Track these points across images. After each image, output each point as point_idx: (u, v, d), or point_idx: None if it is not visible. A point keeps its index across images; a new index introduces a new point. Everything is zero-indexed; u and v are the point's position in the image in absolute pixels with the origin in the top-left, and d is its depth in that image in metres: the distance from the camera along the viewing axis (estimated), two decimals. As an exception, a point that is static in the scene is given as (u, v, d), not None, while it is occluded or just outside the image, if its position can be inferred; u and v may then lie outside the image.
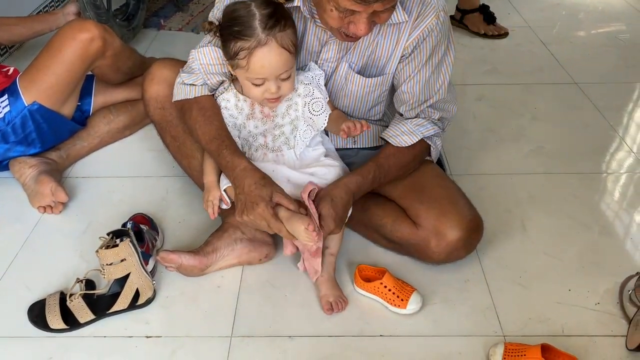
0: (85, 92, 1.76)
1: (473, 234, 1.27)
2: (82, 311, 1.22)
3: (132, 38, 2.44)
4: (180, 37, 2.56)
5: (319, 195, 1.18)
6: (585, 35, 2.58)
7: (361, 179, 1.24)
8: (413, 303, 1.23)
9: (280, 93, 1.22)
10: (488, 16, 2.56)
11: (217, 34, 1.20)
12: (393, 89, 1.35)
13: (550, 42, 2.48)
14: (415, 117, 1.31)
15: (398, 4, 1.18)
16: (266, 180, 1.17)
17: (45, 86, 1.54)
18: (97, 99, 1.79)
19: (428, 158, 1.38)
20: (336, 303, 1.24)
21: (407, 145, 1.28)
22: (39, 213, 1.55)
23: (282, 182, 1.24)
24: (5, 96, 1.56)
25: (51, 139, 1.64)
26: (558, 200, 1.57)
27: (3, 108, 1.55)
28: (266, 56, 1.15)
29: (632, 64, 2.31)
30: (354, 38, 1.17)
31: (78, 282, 1.26)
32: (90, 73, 1.74)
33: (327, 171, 1.28)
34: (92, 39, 1.53)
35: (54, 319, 1.21)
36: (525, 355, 1.09)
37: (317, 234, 1.08)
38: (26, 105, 1.54)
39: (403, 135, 1.29)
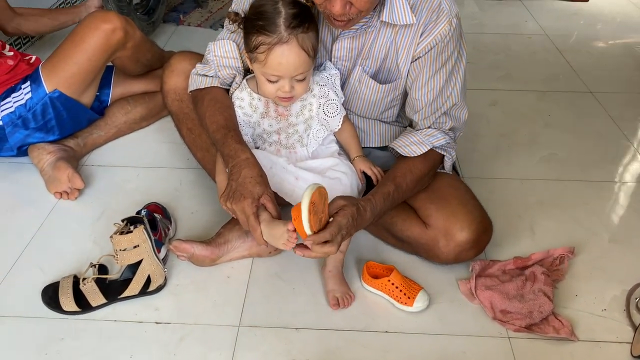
0: (104, 83, 1.79)
1: (482, 235, 1.28)
2: (94, 295, 1.25)
3: (151, 32, 2.48)
4: (199, 33, 2.60)
5: (337, 201, 1.14)
6: (602, 46, 2.58)
7: (383, 201, 1.20)
8: (420, 301, 1.24)
9: (293, 93, 1.23)
10: None
11: (241, 26, 1.23)
12: (406, 93, 1.36)
13: (567, 51, 2.49)
14: (427, 128, 1.31)
15: (407, 6, 1.20)
16: (263, 178, 1.17)
17: (66, 74, 1.57)
18: (116, 90, 1.83)
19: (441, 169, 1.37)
20: (342, 299, 1.26)
21: (416, 154, 1.28)
22: (55, 198, 1.58)
23: (290, 179, 1.25)
24: (28, 83, 1.59)
25: (70, 127, 1.68)
26: (568, 207, 1.58)
27: (25, 94, 1.59)
28: (285, 54, 1.17)
29: (648, 75, 2.31)
30: (341, 22, 1.16)
31: (91, 266, 1.28)
32: (109, 64, 1.78)
33: (339, 176, 1.28)
34: (114, 29, 1.56)
35: (67, 301, 1.23)
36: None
37: (294, 241, 1.09)
38: (47, 92, 1.58)
39: (412, 145, 1.29)
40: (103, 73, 1.75)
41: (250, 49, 1.20)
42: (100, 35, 1.56)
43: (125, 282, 1.27)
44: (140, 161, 1.74)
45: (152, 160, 1.74)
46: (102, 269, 1.30)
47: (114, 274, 1.28)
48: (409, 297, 1.24)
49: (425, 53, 1.25)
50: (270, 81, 1.22)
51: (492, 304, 1.24)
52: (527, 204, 1.58)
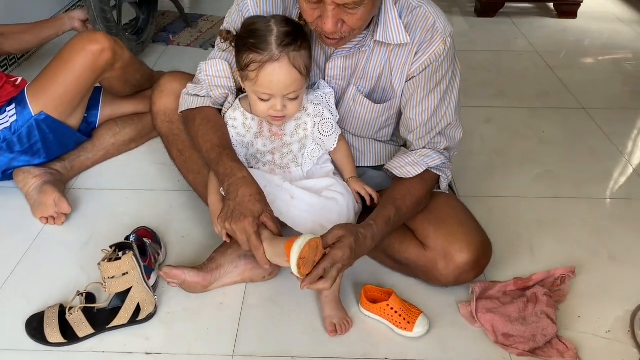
0: (92, 104, 1.75)
1: (482, 257, 1.25)
2: (81, 325, 1.20)
3: (140, 52, 2.45)
4: (189, 53, 2.57)
5: (334, 231, 1.10)
6: (592, 62, 2.59)
7: (385, 226, 1.18)
8: (420, 326, 1.20)
9: (285, 112, 1.20)
10: None
11: (233, 44, 1.20)
12: (401, 112, 1.33)
13: (557, 67, 2.49)
14: (422, 148, 1.29)
15: (401, 25, 1.18)
16: (262, 196, 1.14)
17: (53, 96, 1.53)
18: (104, 111, 1.79)
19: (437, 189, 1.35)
20: (340, 325, 1.22)
21: (411, 176, 1.26)
22: (41, 224, 1.53)
23: (285, 198, 1.22)
24: (13, 105, 1.55)
25: (56, 150, 1.63)
26: (566, 225, 1.55)
27: (10, 117, 1.55)
28: (276, 72, 1.14)
29: (638, 90, 2.31)
30: (333, 40, 1.13)
31: (78, 295, 1.23)
32: (98, 85, 1.75)
33: (336, 197, 1.26)
34: (102, 50, 1.53)
35: (52, 333, 1.18)
36: None
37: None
38: (33, 115, 1.53)
39: (407, 166, 1.27)
40: (91, 94, 1.71)
41: (241, 67, 1.18)
42: (88, 56, 1.52)
43: (113, 311, 1.22)
44: (129, 184, 1.70)
45: (142, 183, 1.70)
46: (90, 297, 1.25)
47: (102, 303, 1.23)
48: (408, 322, 1.20)
49: (420, 72, 1.23)
50: (262, 100, 1.19)
51: (493, 328, 1.20)
52: (526, 223, 1.56)
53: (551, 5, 3.17)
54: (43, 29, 1.96)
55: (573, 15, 3.07)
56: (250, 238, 1.10)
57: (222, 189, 1.23)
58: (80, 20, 1.96)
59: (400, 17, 1.20)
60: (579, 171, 1.78)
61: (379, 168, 1.44)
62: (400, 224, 1.24)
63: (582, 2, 3.05)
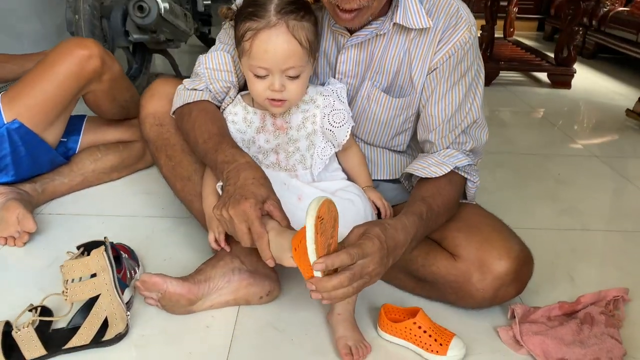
0: (74, 129, 1.60)
1: (523, 266, 1.05)
2: (30, 345, 0.94)
3: (130, 99, 2.34)
4: (181, 103, 2.47)
5: (354, 231, 0.91)
6: (595, 118, 2.55)
7: (418, 221, 0.98)
8: (455, 348, 0.97)
9: (286, 95, 1.05)
10: None
11: (232, 19, 1.08)
12: (418, 115, 1.20)
13: (560, 124, 2.44)
14: (446, 148, 1.15)
15: (422, 10, 1.08)
16: (267, 182, 0.97)
17: (30, 102, 1.37)
18: (86, 137, 1.63)
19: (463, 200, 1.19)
20: (356, 348, 0.98)
21: (437, 175, 1.10)
22: (-1, 245, 1.30)
23: (291, 199, 1.05)
24: (-17, 113, 1.39)
25: (27, 168, 1.45)
26: (604, 253, 1.38)
27: (-22, 126, 1.38)
28: (272, 39, 1.00)
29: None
30: (349, 13, 1.00)
31: (31, 309, 0.99)
32: (81, 114, 1.61)
33: (352, 198, 1.08)
34: (90, 56, 1.40)
35: (-8, 353, 0.93)
36: None
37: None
38: (5, 122, 1.36)
39: (432, 166, 1.11)
40: (73, 121, 1.57)
41: (238, 40, 1.05)
42: (74, 61, 1.39)
43: (73, 331, 0.98)
44: (107, 209, 1.50)
45: (122, 210, 1.50)
46: (46, 313, 1.01)
47: (60, 316, 0.99)
48: (440, 344, 0.97)
49: (443, 62, 1.11)
50: (258, 77, 1.04)
51: (544, 352, 0.98)
52: (558, 252, 1.37)
53: (544, 75, 3.20)
54: (28, 60, 1.84)
55: (567, 85, 3.08)
56: (253, 224, 0.90)
57: (219, 184, 1.05)
58: None
59: (421, 3, 1.10)
60: (607, 207, 1.64)
61: (394, 182, 1.28)
62: (432, 229, 1.05)
63: (575, 72, 3.08)
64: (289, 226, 0.93)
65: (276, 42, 1.00)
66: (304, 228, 0.81)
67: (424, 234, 1.02)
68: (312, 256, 0.80)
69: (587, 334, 1.00)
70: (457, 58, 1.10)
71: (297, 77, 1.05)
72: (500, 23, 4.10)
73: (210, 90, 1.16)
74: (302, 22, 1.02)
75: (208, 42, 3.48)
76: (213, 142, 1.05)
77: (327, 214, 0.81)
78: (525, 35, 4.70)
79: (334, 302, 0.95)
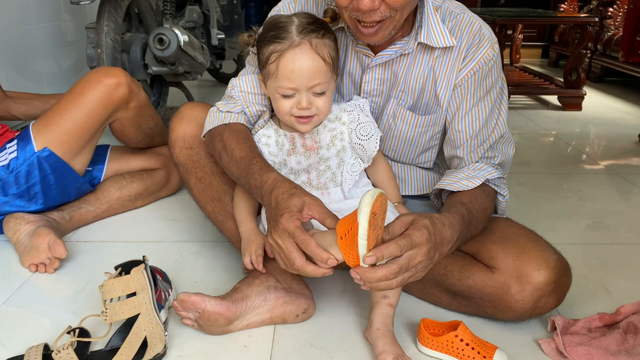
0: (98, 159, 1.62)
1: (562, 276, 1.04)
2: (70, 366, 0.94)
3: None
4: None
5: (401, 219, 0.90)
6: (610, 139, 2.55)
7: (462, 221, 0.98)
8: (499, 360, 0.96)
9: (314, 111, 1.06)
10: None
11: (254, 45, 1.11)
12: (445, 132, 1.21)
13: (575, 144, 2.44)
14: (475, 163, 1.15)
15: (445, 29, 1.10)
16: (296, 189, 0.96)
17: (60, 131, 1.40)
18: (110, 166, 1.65)
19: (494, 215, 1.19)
20: (398, 363, 0.97)
21: (469, 189, 1.10)
22: (30, 272, 1.30)
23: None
24: (15, 142, 1.41)
25: (56, 196, 1.46)
26: (636, 266, 1.36)
27: (9, 154, 1.40)
28: (297, 59, 1.02)
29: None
30: (370, 27, 1.02)
31: (69, 331, 0.99)
32: (105, 144, 1.64)
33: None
34: (118, 84, 1.43)
35: (33, 375, 0.92)
36: None
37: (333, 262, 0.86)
38: (36, 151, 1.39)
39: (462, 180, 1.12)
40: (98, 150, 1.59)
41: (262, 64, 1.07)
42: (103, 89, 1.42)
43: (113, 352, 0.97)
44: (134, 237, 1.50)
45: (148, 236, 1.51)
46: (84, 334, 1.00)
47: (99, 337, 0.98)
48: (484, 357, 0.96)
49: (468, 79, 1.13)
50: (285, 97, 1.06)
51: (591, 363, 0.96)
52: (590, 266, 1.36)
53: (554, 99, 3.23)
54: (53, 97, 1.88)
55: (578, 107, 3.11)
56: (294, 235, 0.89)
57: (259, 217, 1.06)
58: None
59: (444, 23, 1.13)
60: (632, 221, 1.63)
61: (422, 198, 1.29)
62: (473, 234, 1.04)
63: (585, 94, 3.11)
64: (333, 226, 0.90)
65: (301, 60, 1.02)
66: (350, 216, 0.83)
67: (465, 237, 1.01)
68: (362, 249, 0.81)
69: (632, 343, 0.99)
70: (482, 74, 1.12)
71: (323, 93, 1.06)
72: (506, 51, 4.17)
73: (245, 113, 1.18)
74: (324, 40, 1.05)
75: (219, 77, 3.55)
76: (243, 164, 1.05)
77: (379, 208, 0.81)
78: (530, 62, 4.77)
79: (376, 291, 0.94)
